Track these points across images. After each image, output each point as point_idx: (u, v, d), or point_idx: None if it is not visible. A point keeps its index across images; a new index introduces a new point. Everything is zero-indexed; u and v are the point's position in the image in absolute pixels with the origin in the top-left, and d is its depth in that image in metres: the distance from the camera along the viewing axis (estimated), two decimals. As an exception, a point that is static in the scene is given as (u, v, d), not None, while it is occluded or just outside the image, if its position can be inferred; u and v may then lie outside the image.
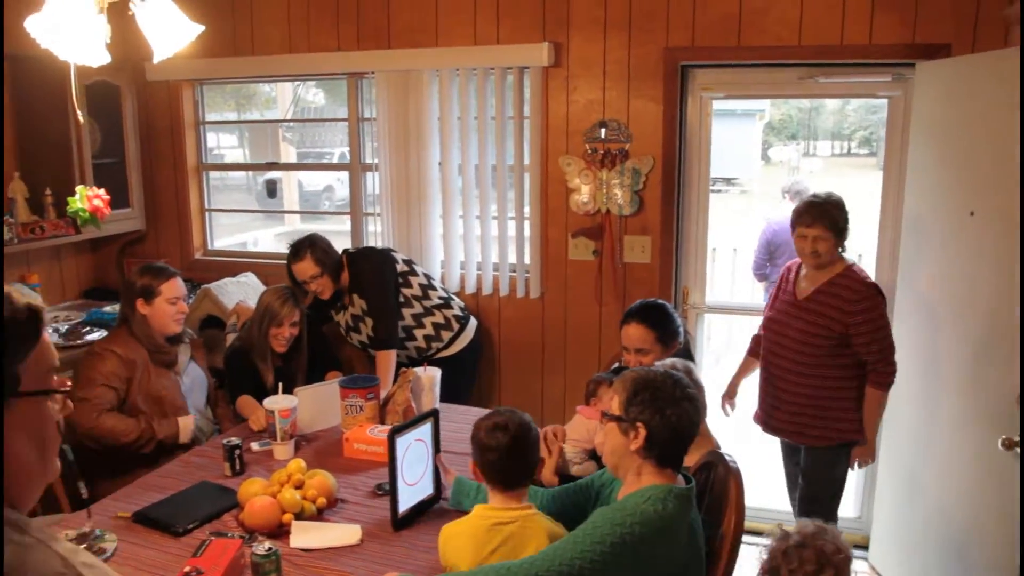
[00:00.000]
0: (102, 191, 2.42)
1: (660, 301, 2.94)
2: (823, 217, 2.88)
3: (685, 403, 1.86)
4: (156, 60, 2.20)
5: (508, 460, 2.01)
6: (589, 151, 3.74)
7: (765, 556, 2.00)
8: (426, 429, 2.36)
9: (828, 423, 2.97)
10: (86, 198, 2.36)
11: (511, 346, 4.03)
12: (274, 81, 4.46)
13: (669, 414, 1.84)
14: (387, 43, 3.95)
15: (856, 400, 2.95)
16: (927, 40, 3.27)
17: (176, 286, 3.08)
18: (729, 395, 3.37)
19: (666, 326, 2.83)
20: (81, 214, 2.38)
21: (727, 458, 2.11)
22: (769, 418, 3.14)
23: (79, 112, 2.35)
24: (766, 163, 19.33)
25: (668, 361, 2.53)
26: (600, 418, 1.95)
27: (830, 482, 3.05)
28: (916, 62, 3.29)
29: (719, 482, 2.10)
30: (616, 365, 3.05)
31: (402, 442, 2.25)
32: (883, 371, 2.90)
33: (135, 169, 4.32)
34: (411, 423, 2.32)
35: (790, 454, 3.24)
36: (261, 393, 3.13)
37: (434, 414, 2.40)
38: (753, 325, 3.43)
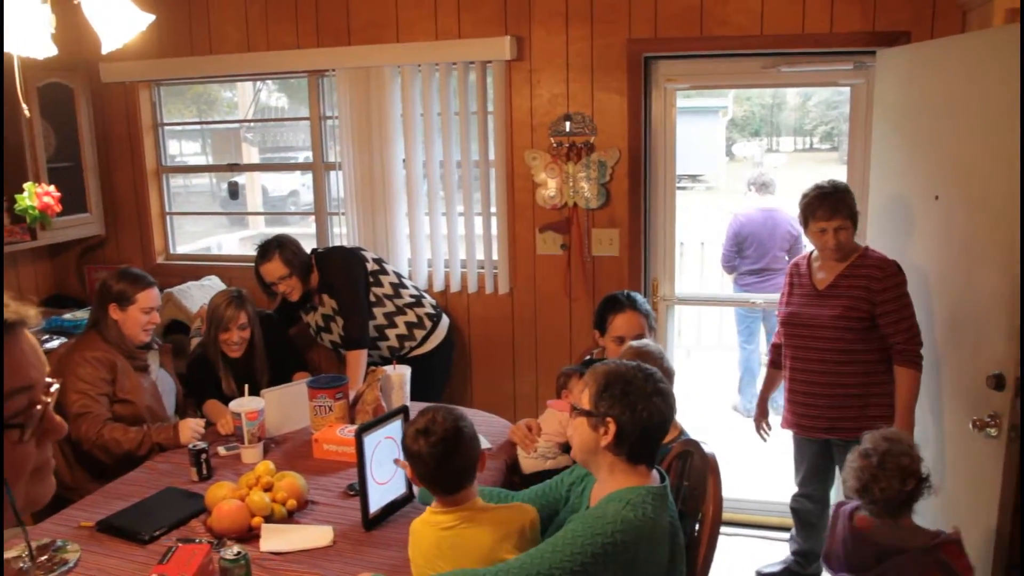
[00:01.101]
0: (52, 188, 2.34)
1: (635, 293, 2.94)
2: (841, 206, 2.86)
3: (657, 398, 1.82)
4: (105, 51, 2.13)
5: (438, 469, 1.89)
6: (554, 145, 3.72)
7: (851, 479, 2.26)
8: (395, 427, 2.32)
9: (864, 412, 2.91)
10: (35, 195, 2.28)
11: (481, 343, 4.00)
12: (233, 80, 4.38)
13: (640, 409, 1.80)
14: (347, 39, 3.90)
15: (889, 385, 2.90)
16: (887, 28, 3.29)
17: (152, 296, 3.04)
18: (763, 415, 3.33)
19: (650, 312, 2.85)
20: (31, 211, 2.30)
21: (703, 447, 2.09)
22: (801, 418, 3.07)
23: (24, 107, 2.27)
24: (730, 159, 19.48)
25: (642, 341, 2.53)
26: (570, 411, 1.92)
27: None
28: (877, 49, 3.31)
29: (695, 471, 2.08)
30: (588, 357, 3.03)
31: (370, 440, 2.21)
32: (912, 349, 2.84)
33: (92, 173, 4.23)
34: (379, 420, 2.28)
35: (817, 450, 3.18)
36: (226, 399, 3.09)
37: (404, 411, 2.36)
38: (722, 318, 3.42)
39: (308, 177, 8.07)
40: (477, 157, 3.81)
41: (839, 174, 3.30)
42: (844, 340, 2.90)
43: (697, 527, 2.04)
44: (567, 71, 3.69)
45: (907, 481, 2.19)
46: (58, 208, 2.36)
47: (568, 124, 3.70)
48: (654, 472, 1.90)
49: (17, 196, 2.30)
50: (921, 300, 3.07)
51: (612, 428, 1.81)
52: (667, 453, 2.24)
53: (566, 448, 2.60)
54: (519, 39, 3.68)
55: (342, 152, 3.95)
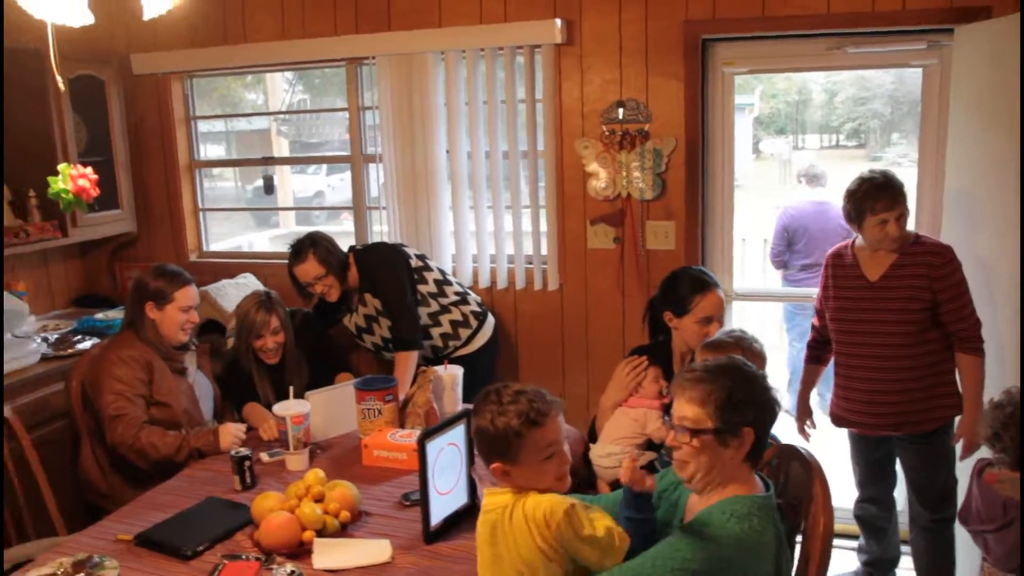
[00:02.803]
0: (88, 170, 2.18)
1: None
2: (900, 196, 2.73)
3: (771, 388, 1.67)
4: (147, 16, 1.96)
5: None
6: (607, 133, 3.53)
7: (984, 427, 2.35)
8: (459, 432, 2.13)
9: (931, 403, 2.79)
10: (69, 177, 2.12)
11: (529, 342, 3.81)
12: (268, 70, 4.24)
13: (768, 407, 1.67)
14: (387, 25, 3.73)
15: (954, 374, 2.80)
16: (965, 3, 3.07)
17: (191, 294, 2.90)
18: (806, 414, 3.17)
19: None
20: (64, 195, 2.14)
21: (804, 453, 1.89)
22: (862, 416, 2.90)
23: (59, 79, 2.10)
24: (757, 157, 19.20)
25: (732, 330, 2.38)
26: (687, 439, 1.68)
27: (942, 464, 2.89)
28: (955, 27, 3.10)
29: (795, 480, 1.88)
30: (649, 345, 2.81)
31: (433, 447, 2.03)
32: (976, 336, 2.74)
33: (124, 168, 4.09)
34: (442, 425, 2.10)
35: (876, 446, 3.02)
36: (263, 406, 2.94)
37: (467, 415, 2.17)
38: (764, 316, 3.24)
39: (334, 178, 7.95)
40: (525, 147, 3.63)
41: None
42: (906, 333, 2.75)
43: (799, 540, 1.84)
44: (620, 55, 3.50)
45: None
46: (95, 192, 2.20)
47: (621, 111, 3.51)
48: (757, 478, 1.72)
49: (50, 179, 2.14)
50: (1009, 297, 2.86)
51: (750, 438, 1.65)
52: None
53: (648, 445, 2.44)
54: (569, 22, 3.50)
55: (383, 144, 3.78)
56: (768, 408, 1.71)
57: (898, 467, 3.07)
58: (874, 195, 2.73)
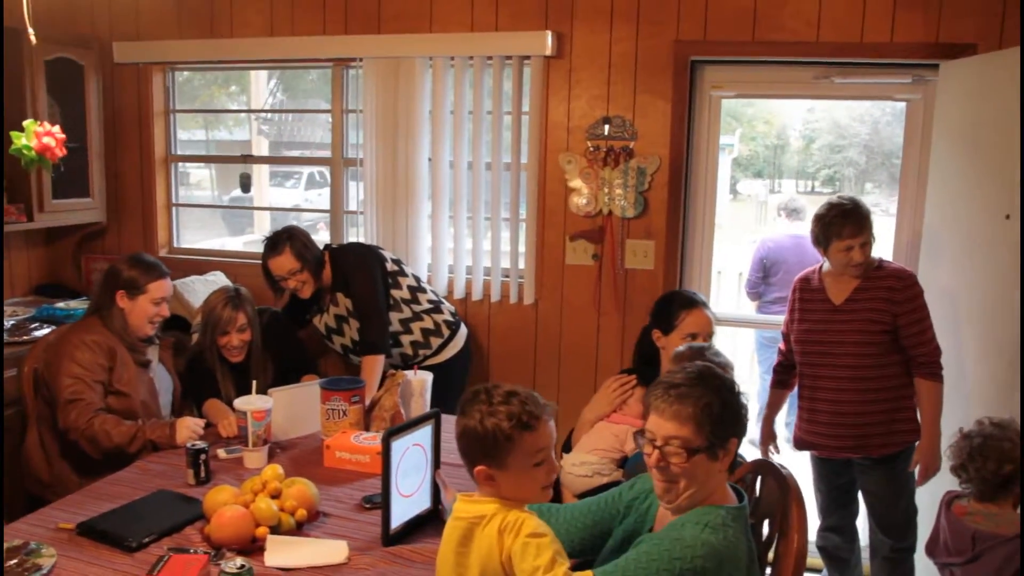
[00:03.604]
0: (56, 128, 2.10)
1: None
2: (866, 223, 2.77)
3: (740, 390, 1.63)
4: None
5: None
6: (591, 149, 3.50)
7: (952, 456, 2.35)
8: (425, 433, 2.06)
9: (891, 427, 2.80)
10: (33, 134, 2.03)
11: (502, 355, 3.74)
12: (253, 67, 4.18)
13: (745, 412, 1.63)
14: (376, 28, 3.69)
15: (914, 399, 2.81)
16: (951, 39, 3.10)
17: (165, 287, 2.83)
18: (770, 437, 3.16)
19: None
20: (26, 151, 2.05)
21: (780, 469, 1.84)
22: (823, 439, 2.89)
23: (31, 31, 2.02)
24: (734, 197, 19.37)
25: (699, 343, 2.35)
26: (685, 459, 1.59)
27: (902, 490, 2.88)
28: (940, 62, 3.12)
29: (768, 497, 1.83)
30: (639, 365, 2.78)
31: (398, 447, 1.95)
32: (934, 360, 2.76)
33: (97, 156, 3.99)
34: (408, 425, 2.02)
35: (838, 472, 3.00)
36: (225, 404, 2.86)
37: (435, 416, 2.10)
38: (735, 348, 3.23)
39: (311, 192, 7.85)
40: (508, 159, 3.59)
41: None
42: (867, 355, 2.78)
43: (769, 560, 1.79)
44: (609, 71, 3.48)
45: (1004, 465, 2.24)
46: (60, 152, 2.11)
47: (607, 127, 3.48)
48: (730, 490, 1.66)
49: (13, 133, 2.06)
50: (981, 325, 2.88)
51: (734, 448, 1.61)
52: None
53: (622, 463, 2.40)
54: (560, 35, 3.48)
55: (365, 147, 3.72)
56: (745, 414, 1.67)
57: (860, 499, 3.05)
58: (841, 221, 2.76)
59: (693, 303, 2.67)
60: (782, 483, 1.82)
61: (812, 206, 5.33)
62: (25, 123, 2.08)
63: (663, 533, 1.60)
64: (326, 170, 6.72)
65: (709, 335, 2.62)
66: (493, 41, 3.51)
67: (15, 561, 1.83)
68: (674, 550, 1.52)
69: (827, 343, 2.84)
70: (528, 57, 3.49)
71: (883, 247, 3.27)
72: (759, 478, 1.96)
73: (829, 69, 3.33)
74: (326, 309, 3.30)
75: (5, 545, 1.89)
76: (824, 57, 3.26)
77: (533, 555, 1.48)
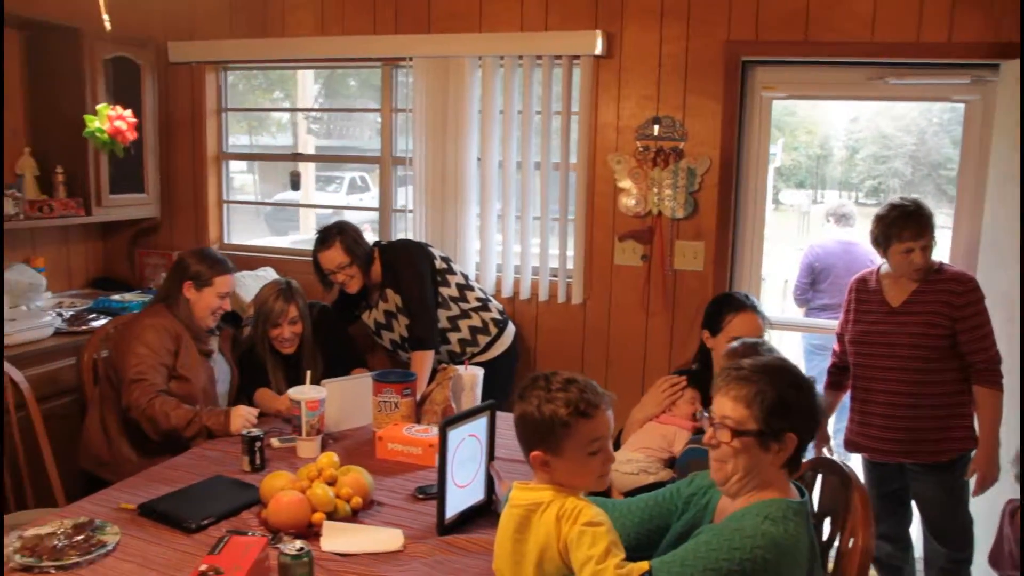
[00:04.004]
0: (128, 112, 2.14)
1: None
2: (928, 225, 2.72)
3: (815, 393, 1.60)
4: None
5: None
6: (640, 149, 3.50)
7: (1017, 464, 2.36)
8: (481, 424, 2.07)
9: (945, 433, 2.74)
10: (106, 118, 2.08)
11: (548, 355, 3.74)
12: (303, 67, 4.23)
13: (813, 414, 1.59)
14: (427, 27, 3.72)
15: (970, 406, 2.75)
16: (1012, 38, 3.03)
17: (230, 282, 2.92)
18: (824, 440, 3.10)
19: (767, 317, 2.69)
20: (99, 134, 2.10)
21: (842, 466, 1.82)
22: (876, 442, 2.86)
23: (106, 18, 2.07)
24: (776, 207, 19.17)
25: (751, 339, 2.31)
26: (728, 438, 1.60)
27: (958, 499, 2.83)
28: (1000, 62, 3.06)
29: (830, 493, 1.80)
30: (693, 367, 2.76)
31: (454, 436, 1.96)
32: (993, 368, 2.70)
33: (152, 153, 4.07)
34: (465, 415, 2.03)
35: (889, 477, 2.95)
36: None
37: (491, 407, 2.10)
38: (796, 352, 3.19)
39: (353, 198, 7.92)
40: (557, 159, 3.59)
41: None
42: (923, 359, 2.74)
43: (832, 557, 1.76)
44: (659, 72, 3.47)
45: None
46: (132, 136, 2.17)
47: (657, 127, 3.47)
48: (792, 486, 1.64)
49: (87, 117, 2.11)
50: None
51: (792, 444, 1.57)
52: None
53: (670, 464, 2.38)
54: (610, 35, 3.48)
55: (414, 146, 3.75)
56: (813, 416, 1.64)
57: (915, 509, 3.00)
58: (902, 223, 2.72)
59: (741, 306, 2.66)
60: (844, 480, 1.79)
61: (860, 213, 5.28)
62: (98, 106, 2.13)
63: (723, 524, 1.59)
64: (368, 175, 6.79)
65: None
66: (543, 41, 3.52)
67: (82, 537, 1.87)
68: (734, 540, 1.51)
69: (883, 345, 2.80)
70: (578, 57, 3.49)
71: (939, 252, 3.23)
72: (819, 476, 1.94)
73: (883, 70, 3.29)
74: (375, 305, 3.33)
75: (71, 521, 1.93)
76: (879, 57, 3.21)
77: (588, 544, 1.48)
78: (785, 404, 1.59)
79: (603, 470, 1.60)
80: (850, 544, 1.74)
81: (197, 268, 2.86)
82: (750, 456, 1.59)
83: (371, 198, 6.21)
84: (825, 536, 1.89)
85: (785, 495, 1.61)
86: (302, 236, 6.37)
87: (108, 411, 2.82)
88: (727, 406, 1.62)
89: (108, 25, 2.13)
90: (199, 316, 2.86)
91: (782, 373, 1.63)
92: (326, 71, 4.77)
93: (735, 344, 2.36)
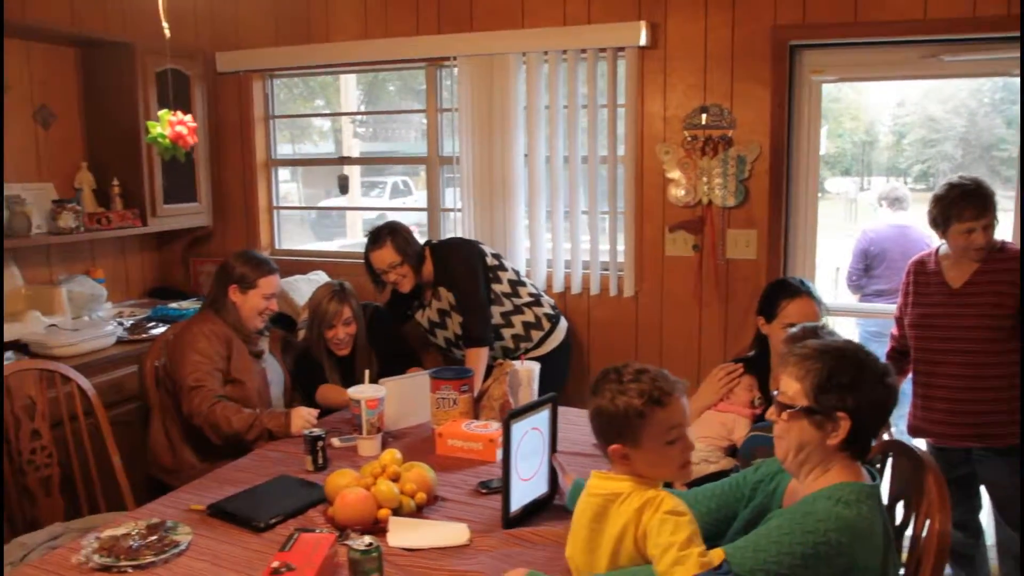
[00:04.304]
0: (188, 117, 2.19)
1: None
2: (989, 204, 2.65)
3: (888, 379, 1.56)
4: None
5: None
6: (688, 139, 3.46)
7: None
8: (543, 417, 2.06)
9: (1012, 416, 2.66)
10: (168, 123, 2.12)
11: (601, 349, 3.72)
12: (348, 71, 4.26)
13: (876, 398, 1.54)
14: (469, 26, 3.73)
15: None
16: (1074, 8, 2.95)
17: (274, 283, 2.93)
18: (886, 425, 3.04)
19: (823, 302, 2.61)
20: (160, 140, 2.14)
21: (914, 448, 1.77)
22: (941, 426, 2.79)
23: (165, 26, 2.11)
24: (822, 196, 18.88)
25: (812, 323, 2.26)
26: (777, 413, 1.62)
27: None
28: (1060, 33, 2.97)
29: (900, 477, 1.76)
30: (750, 354, 2.73)
31: (518, 429, 1.96)
32: None
33: (203, 162, 4.14)
34: (528, 408, 2.02)
35: (956, 462, 2.88)
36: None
37: (553, 400, 2.10)
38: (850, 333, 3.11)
39: (395, 202, 7.97)
40: (604, 152, 3.57)
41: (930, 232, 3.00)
42: (987, 340, 2.67)
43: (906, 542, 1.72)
44: (705, 60, 3.43)
45: None
46: (192, 140, 2.21)
47: (704, 116, 3.44)
48: (863, 469, 1.61)
49: (149, 123, 2.16)
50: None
51: (845, 425, 1.53)
52: None
53: (731, 452, 2.34)
54: (654, 25, 3.45)
55: (460, 145, 3.76)
56: (875, 400, 1.58)
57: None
58: (962, 202, 2.65)
59: (797, 291, 2.60)
60: (916, 462, 1.75)
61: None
62: (160, 112, 2.18)
63: (795, 508, 1.56)
64: (410, 179, 6.82)
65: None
66: (586, 34, 3.51)
67: (155, 537, 1.90)
68: (806, 524, 1.48)
69: (944, 327, 2.74)
70: (622, 49, 3.47)
71: (1000, 231, 3.15)
72: (889, 460, 1.90)
73: (937, 47, 3.21)
74: (428, 304, 3.34)
75: (145, 522, 1.97)
76: (934, 35, 3.14)
77: (670, 531, 1.46)
78: (838, 383, 1.55)
79: (683, 459, 1.58)
80: (925, 528, 1.70)
81: (241, 271, 2.87)
82: (802, 433, 1.57)
83: (414, 202, 6.25)
84: (898, 521, 1.85)
85: (856, 478, 1.57)
86: (349, 241, 6.43)
87: (169, 419, 2.87)
88: (783, 382, 1.62)
89: (168, 32, 2.17)
90: (246, 318, 2.88)
91: (843, 353, 1.60)
92: (367, 77, 4.82)
93: (795, 329, 2.32)
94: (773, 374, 2.63)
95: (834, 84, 3.53)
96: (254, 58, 4.11)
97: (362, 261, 3.35)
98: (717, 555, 1.47)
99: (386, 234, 3.18)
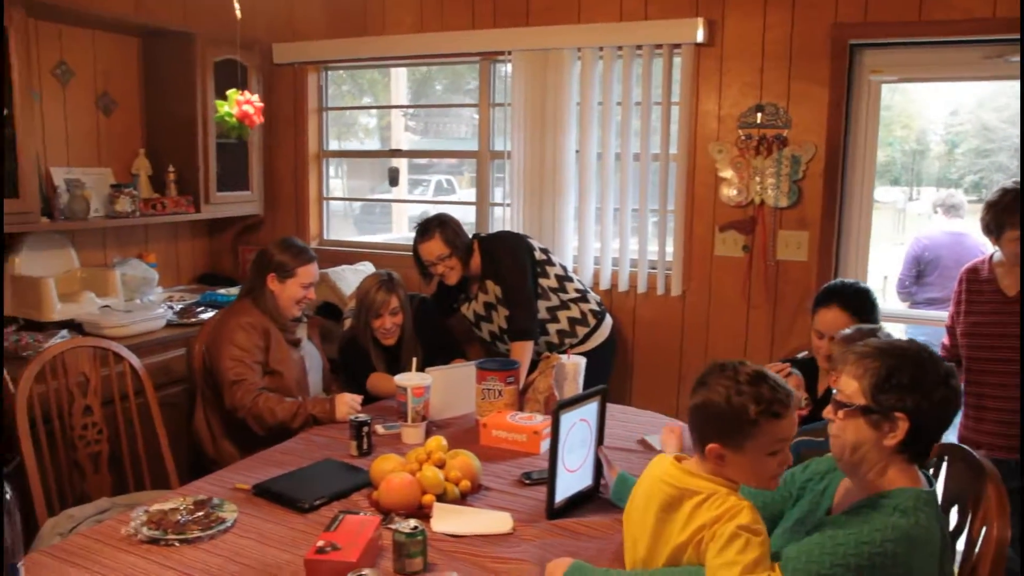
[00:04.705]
0: (255, 97, 2.21)
1: (865, 286, 2.56)
2: None
3: (952, 381, 1.50)
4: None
5: None
6: (743, 138, 3.42)
7: None
8: (591, 409, 2.04)
9: None
10: (235, 102, 2.15)
11: (646, 348, 3.69)
12: (402, 65, 4.28)
13: (937, 400, 1.48)
14: (525, 20, 3.72)
15: None
16: None
17: (313, 272, 2.91)
18: None
19: (869, 318, 2.49)
20: (228, 118, 2.17)
21: (971, 452, 1.72)
22: (995, 438, 2.70)
23: (236, 7, 2.14)
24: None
25: (863, 327, 2.20)
26: (834, 411, 1.58)
27: None
28: None
29: (956, 482, 1.71)
30: (802, 355, 2.68)
31: (567, 420, 1.94)
32: None
33: (256, 151, 4.19)
34: (577, 399, 2.01)
35: (1008, 475, 2.79)
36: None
37: (602, 392, 2.08)
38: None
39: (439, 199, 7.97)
40: (657, 150, 3.54)
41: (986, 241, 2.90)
42: None
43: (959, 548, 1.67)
44: (761, 59, 3.38)
45: None
46: (259, 119, 2.23)
47: (759, 115, 3.39)
48: (920, 474, 1.56)
49: (217, 102, 2.19)
50: None
51: (903, 427, 1.49)
52: None
53: None
54: (711, 22, 3.41)
55: (512, 140, 3.76)
56: (937, 402, 1.51)
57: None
58: (1015, 208, 2.56)
59: (825, 299, 2.54)
60: (974, 466, 1.70)
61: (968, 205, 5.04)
62: (228, 92, 2.21)
63: (848, 516, 1.51)
64: (454, 178, 6.84)
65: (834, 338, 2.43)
66: (642, 30, 3.48)
67: (202, 513, 1.92)
68: (862, 534, 1.43)
69: (998, 336, 2.66)
70: (678, 45, 3.44)
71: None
72: (944, 463, 1.84)
73: (1003, 47, 3.13)
74: (475, 297, 3.34)
75: (192, 498, 1.99)
76: (1003, 35, 3.05)
77: (739, 548, 1.43)
78: (897, 383, 1.50)
79: (778, 471, 1.54)
80: (982, 535, 1.65)
81: (280, 259, 2.84)
82: (859, 432, 1.52)
83: (456, 198, 6.27)
84: (951, 526, 1.80)
85: (913, 483, 1.52)
86: (395, 235, 6.47)
87: (211, 410, 2.88)
88: (842, 380, 1.57)
89: (239, 12, 2.20)
90: (284, 307, 2.84)
91: (904, 353, 1.54)
92: (417, 76, 4.86)
93: (849, 330, 2.27)
94: (820, 375, 2.59)
95: (888, 88, 3.45)
96: (309, 50, 4.14)
97: (408, 253, 3.36)
98: None
99: (435, 226, 3.19)
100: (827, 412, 1.60)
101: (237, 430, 2.80)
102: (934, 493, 1.55)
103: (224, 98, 2.07)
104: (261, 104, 2.26)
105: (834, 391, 1.60)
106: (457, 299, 3.43)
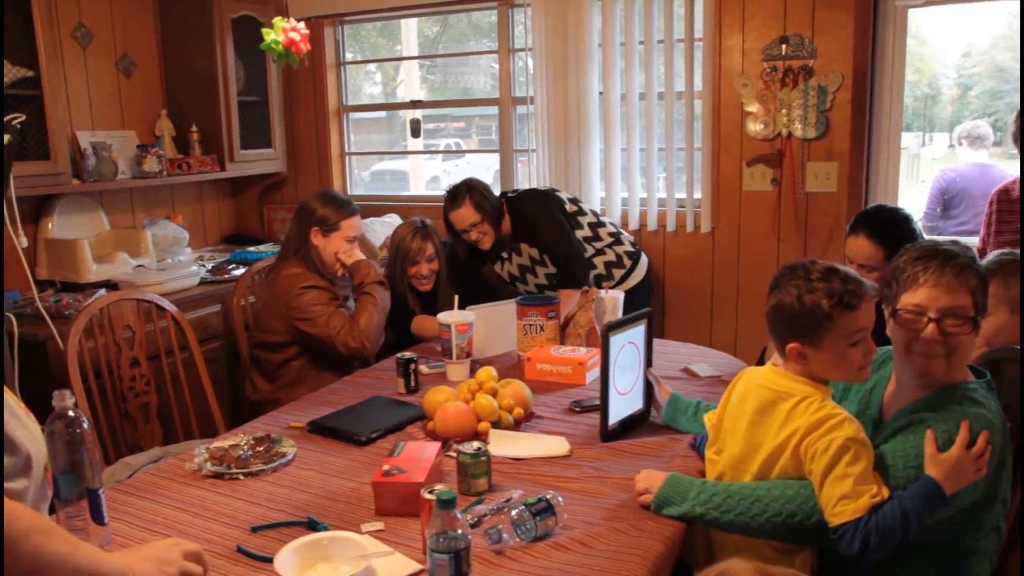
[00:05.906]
0: (301, 24, 2.21)
1: (903, 213, 2.46)
2: None
3: None
4: None
5: None
6: (768, 70, 3.39)
7: None
8: (639, 332, 2.06)
9: None
10: (281, 30, 2.14)
11: (677, 286, 3.70)
12: (420, 14, 4.25)
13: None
14: (543, -38, 3.68)
15: None
16: None
17: (357, 224, 2.86)
18: None
19: (901, 244, 2.45)
20: (275, 46, 2.17)
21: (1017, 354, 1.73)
22: None
23: None
24: (882, 152, 18.39)
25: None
26: (935, 329, 1.53)
27: None
28: None
29: (1007, 388, 1.71)
30: None
31: (616, 342, 1.96)
32: None
33: (277, 109, 4.19)
34: (625, 321, 2.02)
35: None
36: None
37: (648, 315, 2.09)
38: None
39: (449, 164, 7.96)
40: (682, 88, 3.52)
41: (1011, 167, 2.86)
42: None
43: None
44: (785, -12, 3.35)
45: None
46: (305, 47, 2.23)
47: (784, 47, 3.36)
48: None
49: (263, 30, 2.18)
50: None
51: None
52: None
53: None
54: (732, -47, 3.37)
55: (535, 85, 3.74)
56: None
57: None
58: None
59: (855, 227, 2.44)
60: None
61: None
62: (274, 20, 2.20)
63: (928, 413, 1.51)
64: (462, 140, 6.81)
65: (863, 265, 2.37)
66: (663, -35, 3.44)
67: (262, 448, 1.95)
68: (956, 418, 1.45)
69: None
70: (700, -22, 3.41)
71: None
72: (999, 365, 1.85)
73: (1031, -33, 3.09)
74: (508, 258, 3.33)
75: (251, 435, 2.02)
76: (1030, -48, 3.02)
77: (849, 460, 1.43)
78: (986, 287, 1.54)
79: (864, 361, 1.54)
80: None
81: (323, 212, 2.79)
82: (968, 343, 1.52)
83: (466, 163, 6.22)
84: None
85: (968, 377, 1.56)
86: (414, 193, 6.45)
87: (256, 372, 2.88)
88: (949, 298, 1.51)
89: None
90: (328, 262, 2.81)
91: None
92: (428, 31, 4.82)
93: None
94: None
95: (915, 11, 3.40)
96: (326, 2, 4.11)
97: (433, 204, 3.34)
98: (884, 492, 1.44)
99: (464, 192, 3.15)
100: (932, 332, 1.52)
101: (279, 398, 2.75)
102: (990, 381, 1.58)
103: (279, 21, 2.04)
104: (307, 32, 2.25)
105: (918, 309, 1.54)
106: (491, 259, 3.41)
